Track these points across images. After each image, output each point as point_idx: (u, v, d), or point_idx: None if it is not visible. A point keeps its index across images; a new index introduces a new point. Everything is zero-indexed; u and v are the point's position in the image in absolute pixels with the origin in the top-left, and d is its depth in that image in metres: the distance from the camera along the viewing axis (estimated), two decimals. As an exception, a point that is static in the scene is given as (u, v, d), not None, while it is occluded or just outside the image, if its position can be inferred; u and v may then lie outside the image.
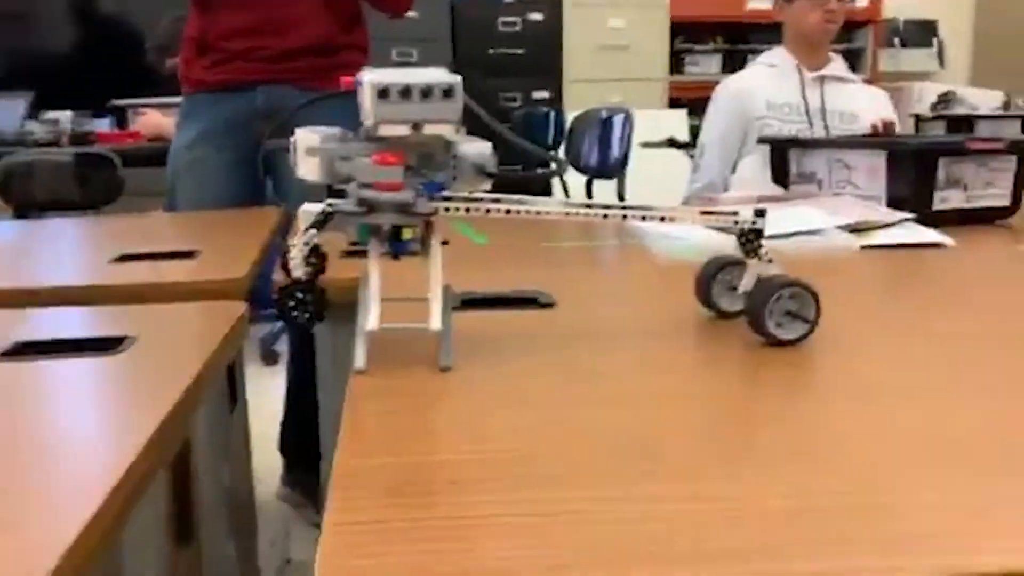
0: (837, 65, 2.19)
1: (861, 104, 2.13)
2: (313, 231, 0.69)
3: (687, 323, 0.83)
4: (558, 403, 0.60)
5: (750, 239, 0.74)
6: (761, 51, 4.11)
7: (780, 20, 2.18)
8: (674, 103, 3.96)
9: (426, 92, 0.62)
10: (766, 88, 2.12)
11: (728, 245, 1.23)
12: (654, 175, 2.49)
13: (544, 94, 3.88)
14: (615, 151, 1.90)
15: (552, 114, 2.84)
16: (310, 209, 0.69)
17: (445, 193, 0.66)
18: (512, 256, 1.22)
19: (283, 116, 1.79)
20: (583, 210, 0.73)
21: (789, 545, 0.40)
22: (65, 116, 3.16)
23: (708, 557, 0.39)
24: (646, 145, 3.18)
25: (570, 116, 2.74)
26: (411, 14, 3.68)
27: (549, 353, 0.72)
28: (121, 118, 3.40)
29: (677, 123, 3.69)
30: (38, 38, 3.69)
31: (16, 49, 3.66)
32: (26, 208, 2.64)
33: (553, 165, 0.69)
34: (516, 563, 0.39)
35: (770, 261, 0.75)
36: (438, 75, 0.63)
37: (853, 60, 4.28)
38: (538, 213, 0.71)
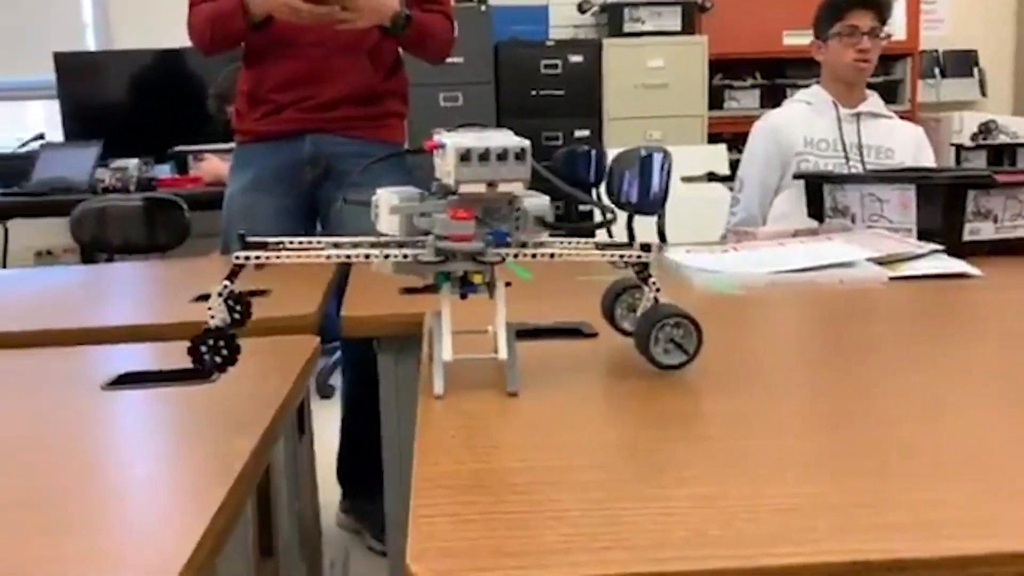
0: (874, 101, 2.25)
1: (897, 139, 2.20)
2: (227, 282, 0.77)
3: (721, 350, 0.90)
4: (601, 422, 0.68)
5: (640, 271, 0.81)
6: (799, 85, 4.18)
7: (818, 59, 2.25)
8: (714, 138, 4.03)
9: (502, 155, 0.70)
10: (803, 124, 2.19)
11: (761, 277, 1.31)
12: (695, 209, 2.56)
13: (585, 132, 3.98)
14: (655, 188, 1.98)
15: (593, 152, 2.93)
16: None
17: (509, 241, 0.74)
18: (554, 291, 1.30)
19: (325, 163, 1.92)
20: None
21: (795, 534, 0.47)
22: (132, 163, 3.34)
23: (715, 543, 0.47)
24: (686, 179, 3.26)
25: (610, 153, 2.83)
26: (456, 59, 3.86)
27: (593, 378, 0.81)
28: (182, 164, 3.58)
29: (717, 158, 3.76)
30: (105, 91, 3.90)
31: (86, 102, 3.87)
32: (98, 251, 2.80)
33: (605, 215, 0.75)
34: (572, 546, 0.47)
35: (658, 290, 0.81)
36: (512, 140, 0.71)
37: (892, 92, 4.32)
38: (556, 256, 0.78)
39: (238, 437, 0.71)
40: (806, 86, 2.40)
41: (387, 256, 0.75)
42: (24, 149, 3.67)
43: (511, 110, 3.93)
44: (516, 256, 0.76)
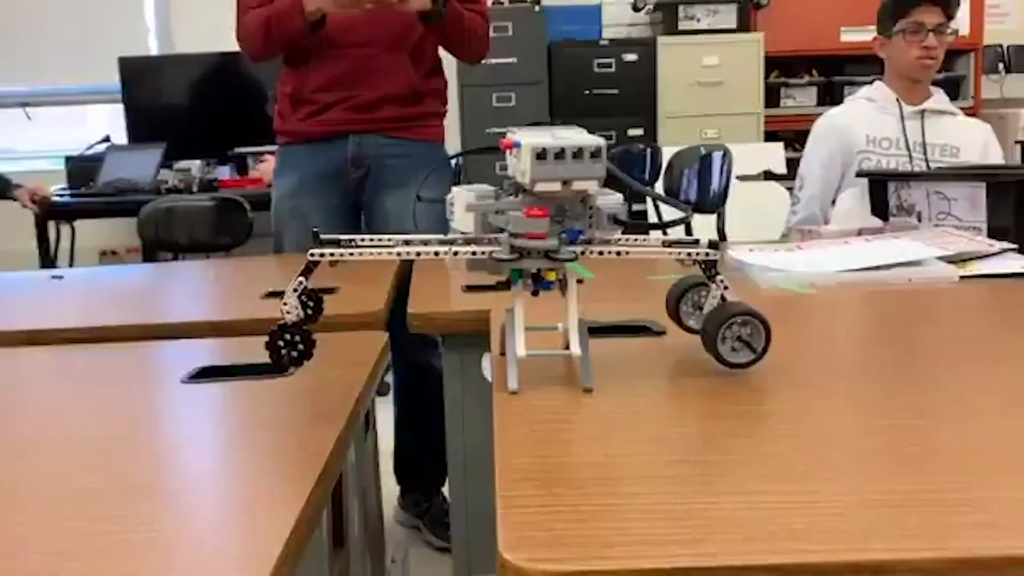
0: (938, 98, 2.21)
1: (963, 137, 2.15)
2: (302, 279, 0.78)
3: (792, 348, 0.90)
4: (675, 418, 0.69)
5: (707, 268, 0.81)
6: (857, 83, 4.12)
7: (881, 56, 2.22)
8: (770, 136, 3.98)
9: (577, 154, 0.71)
10: (866, 122, 2.16)
11: (829, 275, 1.29)
12: (751, 208, 2.54)
13: (638, 132, 3.96)
14: (715, 186, 1.96)
15: (648, 151, 2.91)
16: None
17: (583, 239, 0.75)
18: (620, 289, 1.30)
19: (369, 164, 1.94)
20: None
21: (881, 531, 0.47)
22: (195, 165, 3.42)
23: (804, 538, 0.47)
24: (742, 178, 3.23)
25: (665, 152, 2.81)
26: (509, 60, 3.87)
27: (664, 375, 0.81)
28: (241, 165, 3.66)
29: (773, 156, 3.71)
30: (168, 94, 3.99)
31: (149, 105, 3.97)
32: (163, 249, 2.87)
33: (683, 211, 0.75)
34: (665, 538, 0.48)
35: (726, 288, 0.80)
36: (588, 139, 0.72)
37: (954, 88, 4.22)
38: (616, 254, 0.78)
39: (321, 428, 0.73)
40: (864, 84, 2.36)
41: (456, 253, 0.76)
42: (91, 151, 3.77)
43: (564, 110, 3.93)
44: (584, 253, 0.76)
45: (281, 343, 0.78)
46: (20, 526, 0.56)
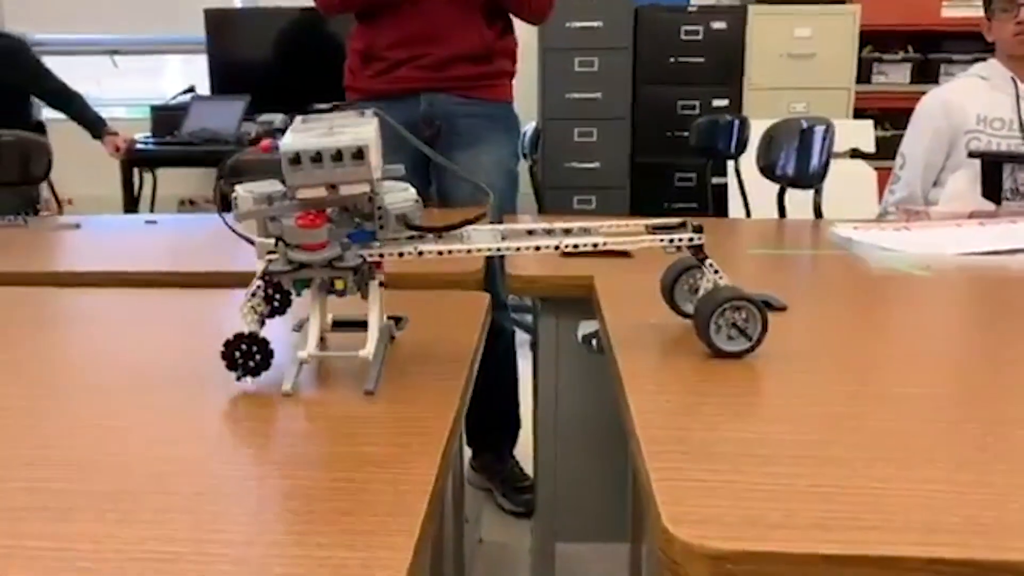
0: (1057, 78, 2.10)
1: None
2: (259, 282, 0.71)
3: (915, 331, 0.85)
4: (815, 396, 0.65)
5: (696, 253, 0.75)
6: (955, 61, 3.95)
7: (988, 40, 2.12)
8: (859, 113, 3.85)
9: (336, 156, 0.63)
10: (978, 101, 2.06)
11: (946, 257, 1.23)
12: (836, 187, 2.45)
13: (723, 102, 3.87)
14: (815, 162, 1.90)
15: (736, 123, 2.84)
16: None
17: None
18: (722, 262, 1.26)
19: (439, 122, 1.91)
20: (521, 242, 0.73)
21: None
22: (277, 118, 3.44)
23: (991, 532, 0.44)
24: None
25: (753, 124, 2.73)
26: (594, 23, 3.79)
27: (791, 351, 0.77)
28: (322, 120, 3.66)
29: (862, 134, 3.60)
30: (251, 47, 4.01)
31: (234, 59, 4.00)
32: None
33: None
34: (836, 523, 0.45)
35: (716, 272, 0.75)
36: (349, 139, 0.63)
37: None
38: (468, 252, 0.72)
39: (449, 378, 0.72)
40: (963, 62, 2.25)
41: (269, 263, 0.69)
42: (175, 101, 3.82)
43: (647, 77, 3.85)
44: (396, 255, 0.69)
45: (238, 353, 0.70)
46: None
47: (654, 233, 0.75)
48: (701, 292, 0.78)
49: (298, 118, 0.69)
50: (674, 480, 0.50)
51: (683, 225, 0.75)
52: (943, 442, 0.56)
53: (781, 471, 0.51)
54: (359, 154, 0.63)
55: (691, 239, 0.74)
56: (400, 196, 0.71)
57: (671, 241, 0.74)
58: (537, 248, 0.74)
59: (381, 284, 0.73)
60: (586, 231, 0.76)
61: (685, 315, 0.85)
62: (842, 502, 0.47)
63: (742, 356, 0.74)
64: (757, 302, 0.73)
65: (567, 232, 0.76)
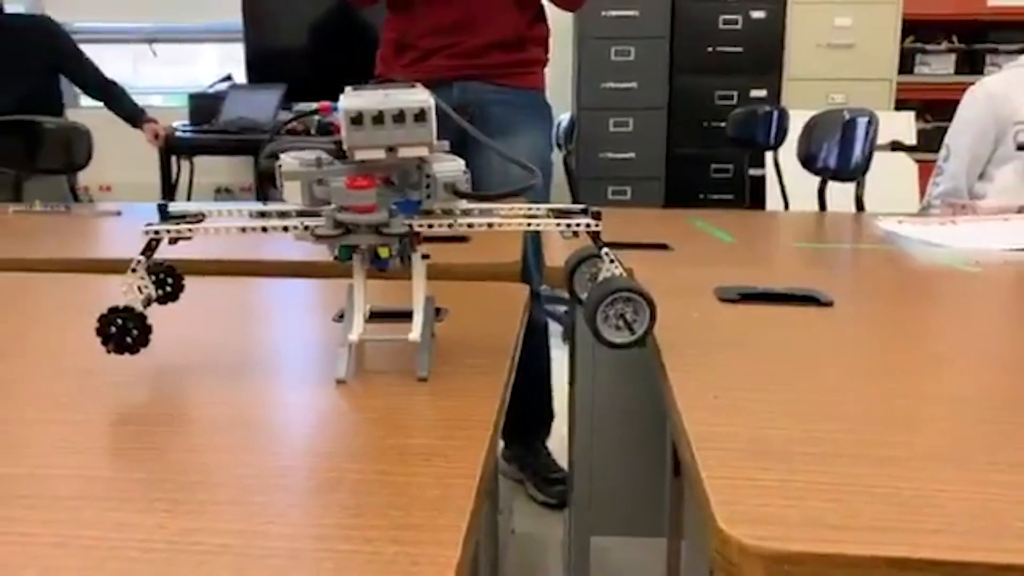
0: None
1: None
2: (142, 258, 0.70)
3: (965, 327, 0.83)
4: (862, 395, 0.64)
5: (593, 239, 0.72)
6: (1001, 52, 3.86)
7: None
8: (901, 104, 3.79)
9: (398, 117, 0.63)
10: (1026, 92, 2.01)
11: (996, 253, 1.20)
12: (877, 180, 2.41)
13: (761, 93, 3.82)
14: (857, 154, 1.86)
15: (775, 113, 2.80)
16: None
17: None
18: (765, 255, 1.24)
19: (472, 110, 1.91)
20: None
21: None
22: (312, 107, 3.44)
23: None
24: (869, 147, 3.08)
25: (792, 115, 2.70)
26: (631, 12, 3.76)
27: (838, 348, 0.76)
28: (356, 109, 3.66)
29: (904, 126, 3.53)
30: (287, 36, 4.03)
31: (270, 48, 4.01)
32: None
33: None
34: (896, 525, 0.44)
35: (611, 261, 0.72)
36: (410, 100, 0.63)
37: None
38: (498, 226, 0.71)
39: (491, 372, 0.71)
40: (1010, 52, 2.20)
41: (285, 228, 0.68)
42: (212, 90, 3.85)
43: (684, 66, 3.81)
44: (431, 226, 0.68)
45: (113, 328, 0.69)
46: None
47: (556, 218, 0.73)
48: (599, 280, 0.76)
49: (348, 88, 0.69)
50: (726, 479, 0.49)
51: (584, 211, 0.74)
52: (1003, 445, 0.55)
53: (836, 471, 0.50)
54: (421, 115, 0.63)
55: (588, 224, 0.72)
56: (448, 165, 0.70)
57: (568, 226, 0.72)
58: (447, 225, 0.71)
59: (425, 257, 0.71)
60: (488, 212, 0.74)
61: (580, 301, 0.83)
62: (901, 504, 0.46)
63: (626, 348, 0.71)
64: (648, 296, 0.71)
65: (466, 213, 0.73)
